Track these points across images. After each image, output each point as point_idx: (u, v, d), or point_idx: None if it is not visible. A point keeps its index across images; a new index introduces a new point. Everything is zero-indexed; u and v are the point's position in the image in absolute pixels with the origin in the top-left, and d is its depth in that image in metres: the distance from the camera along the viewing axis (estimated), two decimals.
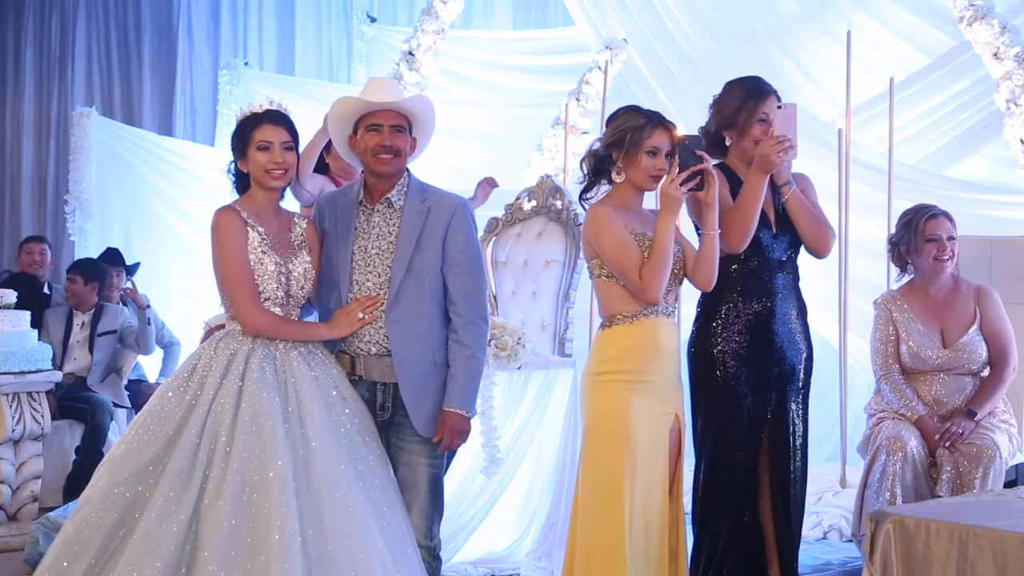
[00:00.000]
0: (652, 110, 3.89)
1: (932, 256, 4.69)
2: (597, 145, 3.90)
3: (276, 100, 3.72)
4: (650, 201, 4.01)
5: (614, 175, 3.84)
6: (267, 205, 3.68)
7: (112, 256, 7.55)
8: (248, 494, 3.31)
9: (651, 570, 3.79)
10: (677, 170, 3.76)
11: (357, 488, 3.42)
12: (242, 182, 3.70)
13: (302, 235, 3.72)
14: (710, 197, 3.81)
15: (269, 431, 3.39)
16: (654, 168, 3.79)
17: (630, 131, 3.79)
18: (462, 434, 3.69)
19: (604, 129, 3.93)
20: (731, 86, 4.17)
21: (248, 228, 3.60)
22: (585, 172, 3.92)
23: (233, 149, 3.69)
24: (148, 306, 7.02)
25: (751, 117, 4.08)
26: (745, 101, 4.09)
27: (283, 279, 3.63)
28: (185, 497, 3.33)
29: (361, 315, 3.65)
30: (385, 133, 3.67)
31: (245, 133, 3.64)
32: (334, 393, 3.57)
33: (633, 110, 3.88)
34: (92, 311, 7.01)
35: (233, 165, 3.71)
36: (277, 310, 3.62)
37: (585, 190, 3.93)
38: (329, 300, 3.73)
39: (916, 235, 4.70)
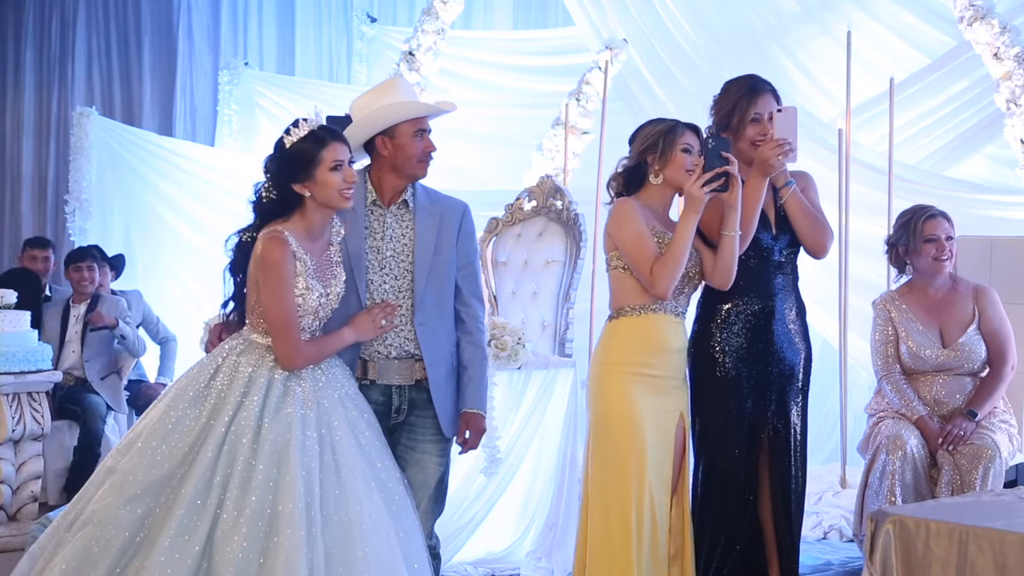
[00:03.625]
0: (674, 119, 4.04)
1: (931, 256, 4.69)
2: (623, 164, 4.01)
3: (319, 112, 3.51)
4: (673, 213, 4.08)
5: (651, 177, 3.94)
6: (321, 225, 3.51)
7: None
8: (262, 528, 3.21)
9: (658, 565, 3.81)
10: (702, 170, 3.83)
11: (385, 517, 3.35)
12: (286, 204, 3.47)
13: (340, 244, 3.59)
14: (733, 198, 3.87)
15: (287, 461, 3.28)
16: (691, 163, 3.90)
17: (662, 134, 3.92)
18: (482, 433, 3.77)
19: (629, 148, 4.03)
20: (726, 87, 4.19)
21: (296, 261, 3.44)
22: (613, 194, 4.03)
23: (290, 172, 3.44)
24: (116, 324, 6.89)
25: (744, 119, 4.10)
26: (737, 103, 4.12)
27: (321, 310, 3.51)
28: (200, 524, 3.22)
29: (384, 322, 3.58)
30: (428, 139, 3.70)
31: (311, 155, 3.42)
32: (354, 413, 3.49)
33: (656, 120, 4.04)
34: (87, 303, 6.92)
35: (269, 187, 3.48)
36: (307, 337, 3.50)
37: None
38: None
39: (915, 235, 4.70)
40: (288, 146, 3.45)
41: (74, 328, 6.90)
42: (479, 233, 5.46)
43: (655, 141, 3.92)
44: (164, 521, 3.23)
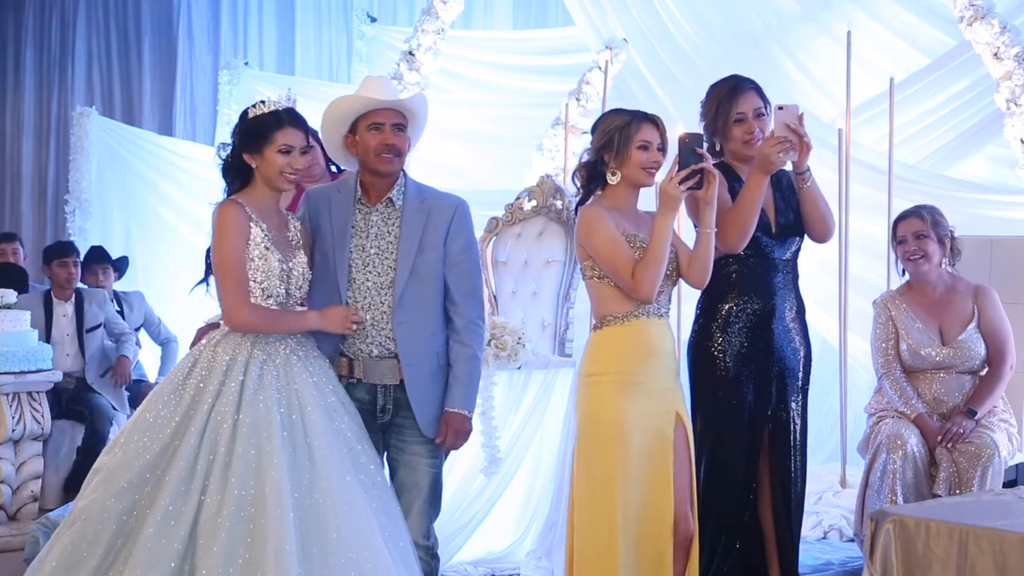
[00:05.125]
0: (636, 109, 3.88)
1: (904, 258, 4.71)
2: (586, 156, 3.89)
3: (293, 95, 3.67)
4: (648, 203, 4.00)
5: (609, 176, 3.82)
6: (270, 203, 3.64)
7: (97, 254, 7.48)
8: (246, 508, 3.26)
9: (651, 567, 3.78)
10: (677, 168, 3.73)
11: (362, 498, 3.39)
12: (236, 171, 3.62)
13: (297, 235, 3.68)
14: (709, 195, 3.77)
15: (267, 441, 3.34)
16: (648, 161, 3.77)
17: (616, 130, 3.79)
18: (465, 434, 3.70)
19: (591, 137, 3.92)
20: (709, 91, 4.18)
21: (252, 224, 3.55)
22: (579, 185, 3.90)
23: (243, 141, 3.60)
24: (130, 377, 6.89)
25: (727, 121, 4.08)
26: (720, 106, 4.10)
27: (285, 277, 3.59)
28: (185, 510, 3.28)
29: (355, 325, 3.63)
30: (388, 132, 3.65)
31: (265, 131, 3.55)
32: (332, 399, 3.53)
33: (615, 112, 3.90)
34: (73, 299, 6.78)
35: (227, 149, 3.63)
36: (276, 307, 3.58)
37: (580, 202, 3.90)
38: (321, 298, 3.70)
39: (894, 239, 4.77)
40: (250, 117, 3.59)
41: (65, 330, 6.74)
42: (479, 233, 5.47)
43: (610, 139, 3.79)
44: (149, 510, 3.29)
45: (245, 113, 3.62)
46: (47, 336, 6.62)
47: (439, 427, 3.67)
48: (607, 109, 7.31)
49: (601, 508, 3.75)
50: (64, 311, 6.79)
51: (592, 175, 3.87)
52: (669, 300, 3.93)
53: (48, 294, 6.83)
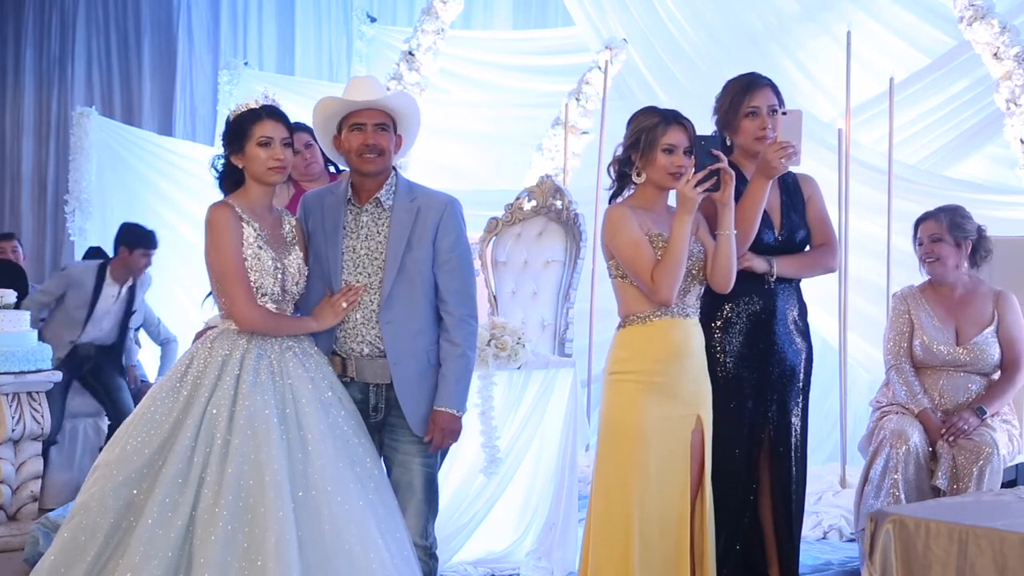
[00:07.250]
0: (668, 109, 3.86)
1: (919, 259, 4.74)
2: (619, 150, 3.89)
3: (270, 95, 3.69)
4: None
5: (634, 176, 3.83)
6: (262, 201, 3.64)
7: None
8: (244, 499, 3.28)
9: (668, 569, 3.78)
10: (693, 170, 3.73)
11: (356, 490, 3.40)
12: (231, 177, 3.64)
13: (292, 232, 3.69)
14: (726, 197, 3.77)
15: (264, 434, 3.36)
16: (672, 166, 3.76)
17: (645, 131, 3.78)
18: (453, 433, 3.68)
19: (626, 131, 3.90)
20: (725, 86, 4.17)
21: (243, 224, 3.56)
22: (613, 178, 3.92)
23: (227, 144, 3.62)
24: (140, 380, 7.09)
25: (739, 113, 4.08)
26: (734, 99, 4.09)
27: (279, 275, 3.60)
28: (182, 501, 3.29)
29: (345, 304, 3.63)
30: (368, 132, 3.65)
31: (243, 128, 3.57)
32: (329, 394, 3.55)
33: (648, 110, 3.87)
34: (128, 285, 6.88)
35: (220, 160, 3.65)
36: (272, 306, 3.58)
37: (614, 195, 3.92)
38: (315, 299, 3.70)
39: (914, 240, 4.76)
40: (231, 119, 3.61)
41: (113, 305, 6.83)
42: (479, 233, 5.47)
43: (638, 139, 3.78)
44: (146, 503, 3.30)
45: (228, 118, 3.66)
46: (91, 307, 6.74)
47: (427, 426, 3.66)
48: (608, 109, 7.38)
49: (617, 508, 3.76)
50: (112, 291, 6.87)
51: (622, 172, 3.88)
52: (696, 300, 3.92)
53: (103, 268, 6.88)
